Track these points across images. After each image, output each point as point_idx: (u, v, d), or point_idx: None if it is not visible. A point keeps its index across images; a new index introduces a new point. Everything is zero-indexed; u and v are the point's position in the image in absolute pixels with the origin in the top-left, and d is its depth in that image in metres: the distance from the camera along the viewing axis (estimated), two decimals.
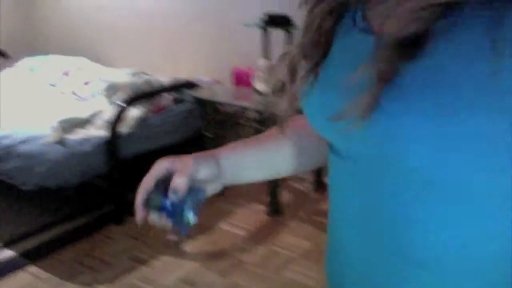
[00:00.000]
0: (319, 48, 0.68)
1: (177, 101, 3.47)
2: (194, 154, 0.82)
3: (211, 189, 0.83)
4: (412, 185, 0.60)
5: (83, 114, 3.22)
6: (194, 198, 0.77)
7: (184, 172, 0.77)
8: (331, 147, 0.72)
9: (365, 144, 0.61)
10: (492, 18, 0.50)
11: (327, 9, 0.68)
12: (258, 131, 3.18)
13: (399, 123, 0.55)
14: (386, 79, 0.55)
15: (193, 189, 0.77)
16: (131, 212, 3.17)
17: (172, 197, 0.76)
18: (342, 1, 0.68)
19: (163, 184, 0.78)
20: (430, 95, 0.53)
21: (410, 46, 0.54)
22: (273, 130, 0.89)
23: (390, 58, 0.55)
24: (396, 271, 0.65)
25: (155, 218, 0.78)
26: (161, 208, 0.77)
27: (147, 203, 0.78)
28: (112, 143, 2.94)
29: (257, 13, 3.02)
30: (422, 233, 0.61)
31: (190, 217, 0.76)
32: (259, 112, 3.05)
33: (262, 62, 3.02)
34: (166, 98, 3.42)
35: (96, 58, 4.25)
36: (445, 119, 0.53)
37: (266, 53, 3.04)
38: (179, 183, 0.75)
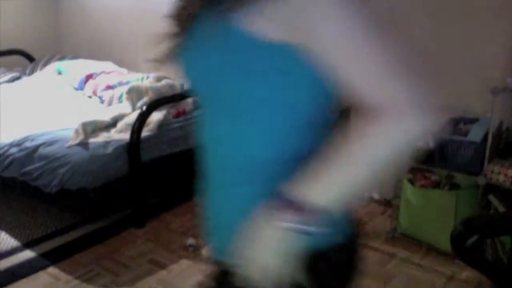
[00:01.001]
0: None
1: (198, 105, 3.46)
2: None
3: None
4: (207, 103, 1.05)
5: (106, 117, 3.24)
6: None
7: None
8: None
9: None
10: (222, 19, 0.86)
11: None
12: None
13: (185, 67, 1.02)
14: (176, 46, 1.03)
15: None
16: (151, 215, 3.13)
17: None
18: None
19: None
20: (192, 50, 0.97)
21: (185, 30, 0.99)
22: None
23: (176, 33, 1.02)
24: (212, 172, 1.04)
25: None
26: None
27: None
28: (134, 147, 2.95)
29: None
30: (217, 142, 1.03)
31: None
32: None
33: None
34: (187, 103, 3.42)
35: (121, 62, 4.28)
36: (196, 63, 0.96)
37: None
38: None
